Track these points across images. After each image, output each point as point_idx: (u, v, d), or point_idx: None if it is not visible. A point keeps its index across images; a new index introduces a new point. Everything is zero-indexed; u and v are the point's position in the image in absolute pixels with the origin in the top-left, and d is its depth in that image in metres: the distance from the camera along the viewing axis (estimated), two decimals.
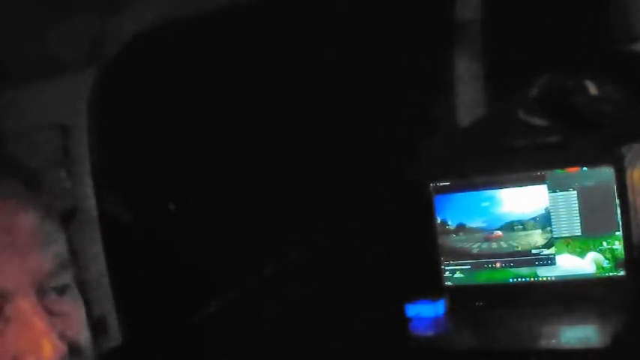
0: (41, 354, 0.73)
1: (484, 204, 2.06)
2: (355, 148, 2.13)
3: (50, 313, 0.76)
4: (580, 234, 1.97)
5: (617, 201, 1.92)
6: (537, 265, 2.02)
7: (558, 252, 2.00)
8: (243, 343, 1.93)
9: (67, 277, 0.79)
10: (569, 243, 1.98)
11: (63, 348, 0.75)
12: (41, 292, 0.76)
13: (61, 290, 0.78)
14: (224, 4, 1.69)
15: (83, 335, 0.81)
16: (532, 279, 2.03)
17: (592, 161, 1.95)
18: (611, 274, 1.94)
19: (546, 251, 2.01)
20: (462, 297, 2.07)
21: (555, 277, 2.00)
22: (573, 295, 1.96)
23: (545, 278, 2.01)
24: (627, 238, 1.93)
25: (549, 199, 2.00)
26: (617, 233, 1.93)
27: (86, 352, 0.80)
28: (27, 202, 0.77)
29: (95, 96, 1.59)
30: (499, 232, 2.05)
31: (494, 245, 2.06)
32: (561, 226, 1.99)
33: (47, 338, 0.74)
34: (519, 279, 2.04)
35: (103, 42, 1.49)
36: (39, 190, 0.80)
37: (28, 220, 0.76)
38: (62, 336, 0.76)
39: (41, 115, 1.53)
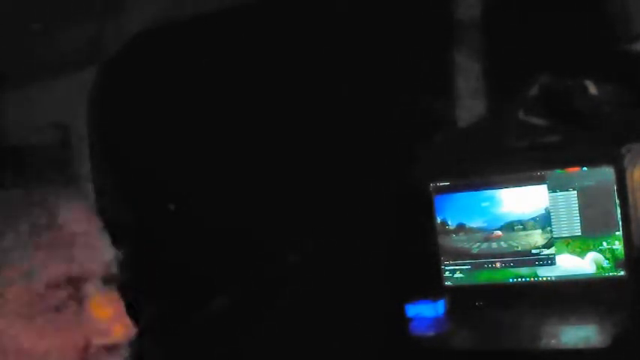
0: (114, 335, 0.82)
1: (484, 204, 2.06)
2: (355, 149, 2.13)
3: (115, 300, 0.85)
4: (580, 234, 1.97)
5: (617, 201, 1.92)
6: (537, 265, 2.02)
7: (558, 252, 2.00)
8: (244, 342, 1.93)
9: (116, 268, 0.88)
10: (569, 243, 1.98)
11: (134, 330, 0.84)
12: (107, 280, 0.84)
13: (116, 280, 0.87)
14: (224, 4, 1.69)
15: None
16: (532, 279, 2.03)
17: (592, 161, 1.95)
18: (611, 274, 1.94)
19: (546, 251, 2.01)
20: (462, 297, 2.07)
21: (555, 277, 2.00)
22: (573, 295, 1.96)
23: (545, 278, 2.01)
24: (627, 238, 1.92)
25: (549, 199, 1.99)
26: (617, 233, 1.93)
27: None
28: (91, 206, 0.88)
29: (95, 96, 1.59)
30: (499, 232, 2.05)
31: (494, 245, 2.06)
32: (561, 226, 1.99)
33: (119, 320, 0.83)
34: (519, 279, 2.04)
35: (103, 42, 1.49)
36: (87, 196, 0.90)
37: (94, 219, 0.87)
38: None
39: (41, 115, 1.53)
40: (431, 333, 1.99)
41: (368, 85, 2.14)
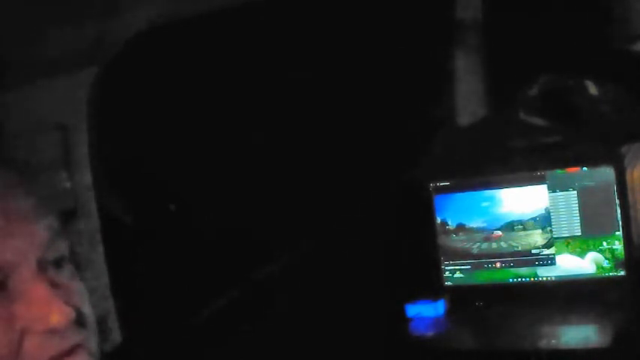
0: (49, 320, 0.76)
1: (484, 204, 2.06)
2: (355, 149, 2.13)
3: (52, 284, 0.79)
4: (580, 234, 1.97)
5: (617, 201, 1.92)
6: (537, 265, 2.02)
7: (558, 252, 2.00)
8: (243, 343, 1.93)
9: (62, 248, 0.82)
10: (569, 243, 1.99)
11: (71, 314, 0.77)
12: (41, 264, 0.79)
13: (59, 262, 0.81)
14: (224, 3, 1.69)
15: (86, 306, 0.82)
16: (532, 279, 2.03)
17: (592, 161, 1.95)
18: (611, 274, 1.94)
19: (546, 251, 2.01)
20: (462, 297, 2.07)
21: (555, 277, 2.00)
22: (573, 295, 1.96)
23: (545, 278, 2.01)
24: (627, 238, 1.93)
25: (549, 199, 2.00)
26: (617, 233, 1.93)
27: (91, 325, 0.82)
28: (16, 185, 0.81)
29: (95, 96, 1.59)
30: (499, 232, 2.05)
31: (494, 245, 2.06)
32: (561, 226, 1.99)
33: (54, 306, 0.76)
34: (519, 279, 2.04)
35: (103, 42, 1.49)
36: (25, 175, 0.84)
37: (19, 200, 0.79)
38: (68, 303, 0.78)
39: (41, 115, 1.53)
40: (431, 333, 1.99)
41: (368, 85, 2.14)
